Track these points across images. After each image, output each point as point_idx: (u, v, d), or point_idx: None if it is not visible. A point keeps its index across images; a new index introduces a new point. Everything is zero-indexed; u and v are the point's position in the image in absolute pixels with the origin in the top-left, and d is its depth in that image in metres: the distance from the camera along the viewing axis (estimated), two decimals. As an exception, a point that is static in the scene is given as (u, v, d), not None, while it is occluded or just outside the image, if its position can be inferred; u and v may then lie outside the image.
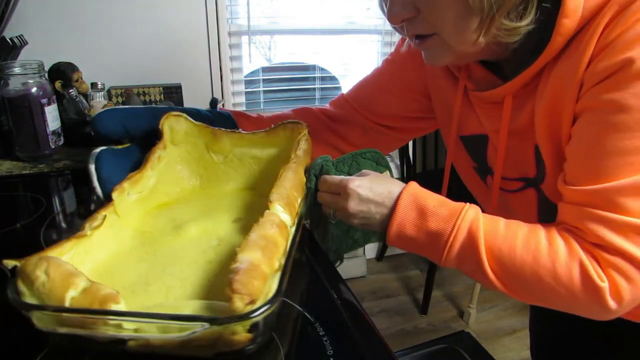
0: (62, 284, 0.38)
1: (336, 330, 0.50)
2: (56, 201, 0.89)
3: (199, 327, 0.36)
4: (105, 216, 0.51)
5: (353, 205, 0.55)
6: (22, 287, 0.39)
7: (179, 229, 0.57)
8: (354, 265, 2.16)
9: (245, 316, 0.37)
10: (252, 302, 0.38)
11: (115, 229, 0.53)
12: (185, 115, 0.69)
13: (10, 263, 0.41)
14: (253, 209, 0.64)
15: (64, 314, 0.38)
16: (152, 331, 0.38)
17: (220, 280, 0.48)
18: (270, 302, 0.39)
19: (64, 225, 0.78)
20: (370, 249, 2.34)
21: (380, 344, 0.50)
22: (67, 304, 0.38)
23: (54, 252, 0.44)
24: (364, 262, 2.18)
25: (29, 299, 0.39)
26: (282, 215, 0.52)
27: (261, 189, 0.70)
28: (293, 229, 0.52)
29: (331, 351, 0.47)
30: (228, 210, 0.63)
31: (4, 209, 0.85)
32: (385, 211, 0.54)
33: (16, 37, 1.13)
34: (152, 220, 0.60)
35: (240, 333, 0.39)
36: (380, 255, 2.35)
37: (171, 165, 0.68)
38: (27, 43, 1.17)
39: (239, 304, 0.37)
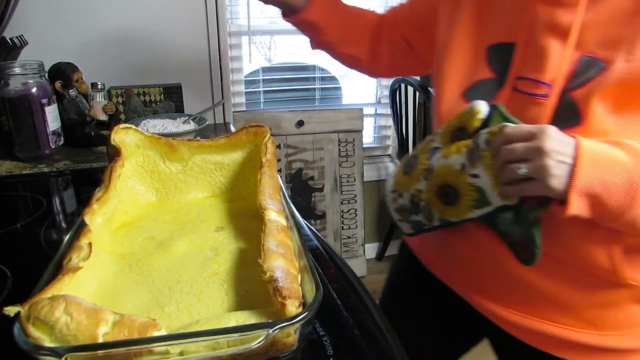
0: (90, 322, 0.36)
1: (336, 330, 0.50)
2: (56, 201, 0.89)
3: (263, 336, 0.37)
4: (90, 244, 0.48)
5: (551, 144, 0.49)
6: (36, 332, 0.36)
7: (164, 246, 0.55)
8: (353, 265, 2.16)
9: (308, 314, 0.39)
10: (301, 304, 0.40)
11: (92, 256, 0.49)
12: (133, 126, 0.67)
13: (12, 310, 0.37)
14: (231, 216, 0.63)
15: (101, 352, 0.35)
16: (200, 351, 0.37)
17: (239, 289, 0.48)
18: (318, 297, 0.41)
19: (64, 225, 0.78)
20: (371, 249, 2.34)
21: (380, 343, 0.50)
22: (100, 340, 0.36)
23: (54, 290, 0.40)
24: (364, 262, 2.18)
25: (51, 344, 0.36)
26: (279, 219, 0.52)
27: (227, 194, 0.70)
28: (295, 231, 0.53)
29: (331, 351, 0.47)
30: (203, 220, 0.62)
31: (4, 209, 0.85)
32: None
33: (16, 37, 1.13)
34: (125, 241, 0.57)
35: (292, 335, 0.40)
36: (380, 256, 2.35)
37: (125, 182, 0.65)
38: (27, 43, 1.17)
39: (292, 308, 0.39)
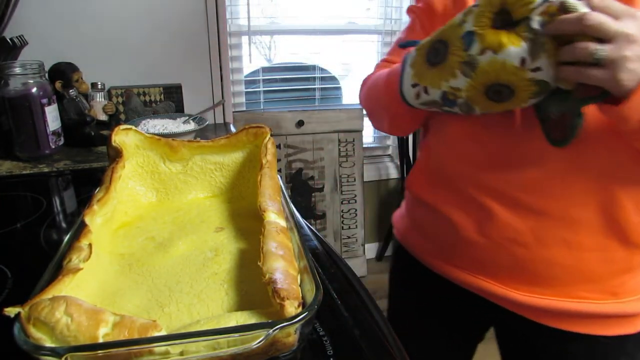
0: (90, 323, 0.36)
1: (336, 330, 0.50)
2: (56, 201, 0.89)
3: (263, 336, 0.37)
4: (90, 245, 0.47)
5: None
6: (37, 333, 0.36)
7: (164, 247, 0.55)
8: (354, 265, 2.16)
9: (307, 314, 0.39)
10: (300, 304, 0.40)
11: (93, 256, 0.49)
12: (134, 127, 0.67)
13: (12, 310, 0.37)
14: (231, 216, 0.63)
15: (101, 352, 0.35)
16: (200, 351, 0.37)
17: (239, 290, 0.48)
18: (318, 297, 0.41)
19: (64, 225, 0.78)
20: (371, 249, 2.34)
21: (380, 343, 0.50)
22: (100, 341, 0.36)
23: (54, 291, 0.40)
24: (364, 262, 2.18)
25: (52, 345, 0.36)
26: (278, 221, 0.52)
27: (227, 195, 0.70)
28: (295, 231, 0.53)
29: (331, 351, 0.47)
30: (203, 220, 0.62)
31: (4, 209, 0.85)
32: None
33: (16, 37, 1.13)
34: (125, 242, 0.57)
35: (292, 335, 0.40)
36: (380, 256, 2.35)
37: (125, 182, 0.65)
38: (27, 43, 1.17)
39: (291, 309, 0.39)
